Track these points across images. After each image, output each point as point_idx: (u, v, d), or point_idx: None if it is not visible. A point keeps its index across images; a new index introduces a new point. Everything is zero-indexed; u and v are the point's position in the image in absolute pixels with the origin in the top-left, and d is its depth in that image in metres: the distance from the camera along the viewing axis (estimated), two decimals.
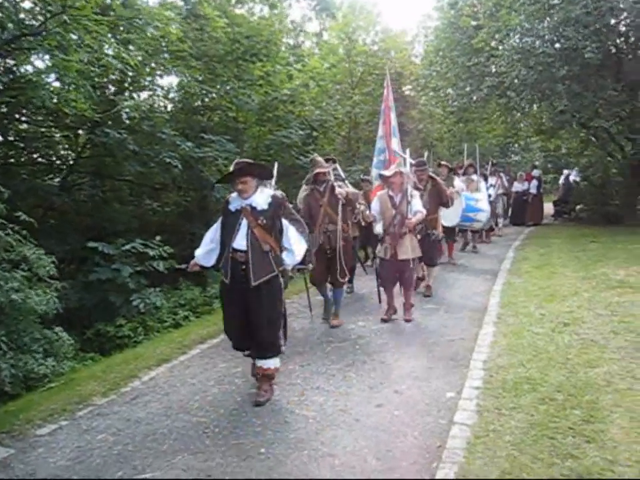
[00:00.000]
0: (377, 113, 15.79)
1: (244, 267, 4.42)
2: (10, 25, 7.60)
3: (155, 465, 3.58)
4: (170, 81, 13.09)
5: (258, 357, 4.60)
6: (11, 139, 10.77)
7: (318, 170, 6.51)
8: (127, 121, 10.23)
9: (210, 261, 4.73)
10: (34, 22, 8.03)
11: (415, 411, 4.26)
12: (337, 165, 7.49)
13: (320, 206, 6.51)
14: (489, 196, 12.85)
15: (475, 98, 16.27)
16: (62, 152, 11.88)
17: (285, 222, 4.62)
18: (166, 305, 8.81)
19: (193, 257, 4.84)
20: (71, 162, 11.51)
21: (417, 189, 7.42)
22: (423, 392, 4.61)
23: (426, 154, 9.93)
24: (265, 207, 4.51)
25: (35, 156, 11.53)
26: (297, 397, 4.62)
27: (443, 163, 10.55)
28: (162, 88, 12.47)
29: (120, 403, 4.67)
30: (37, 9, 8.03)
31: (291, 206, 4.90)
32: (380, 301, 7.17)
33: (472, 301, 7.68)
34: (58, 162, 11.85)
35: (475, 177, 11.65)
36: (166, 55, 10.77)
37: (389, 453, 3.63)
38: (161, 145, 10.22)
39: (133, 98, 10.60)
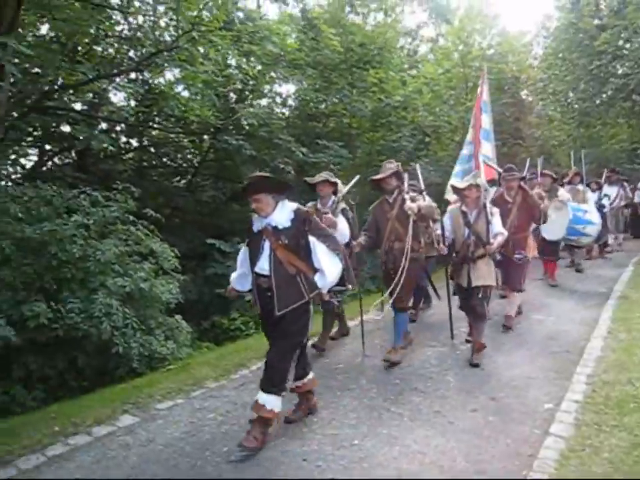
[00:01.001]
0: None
1: (269, 293, 3.98)
2: (147, 42, 8.45)
3: None
4: (287, 88, 13.72)
5: (260, 386, 4.01)
6: (144, 144, 11.86)
7: (374, 177, 5.80)
8: (247, 127, 10.88)
9: (245, 285, 4.36)
10: (167, 38, 8.85)
11: (509, 418, 4.28)
12: (418, 170, 6.48)
13: (387, 219, 5.66)
14: (602, 207, 11.60)
15: (597, 101, 15.45)
16: (188, 156, 12.85)
17: (312, 239, 4.02)
18: None
19: None
20: (196, 165, 12.41)
21: (503, 201, 6.69)
22: (520, 401, 4.60)
23: (539, 160, 9.43)
24: (287, 224, 3.99)
25: (164, 160, 12.58)
26: (394, 396, 4.78)
27: (545, 172, 9.21)
28: (280, 96, 13.10)
29: (229, 387, 5.09)
30: (170, 26, 8.81)
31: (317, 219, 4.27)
32: (452, 329, 6.36)
33: (582, 314, 7.39)
34: (184, 165, 12.83)
35: (581, 186, 10.27)
36: (284, 64, 11.32)
37: (479, 456, 3.70)
38: (277, 151, 10.76)
39: (252, 106, 11.25)
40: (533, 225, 7.24)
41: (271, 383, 3.92)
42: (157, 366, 6.23)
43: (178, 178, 12.76)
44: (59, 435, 4.21)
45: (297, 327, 4.04)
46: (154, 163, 12.65)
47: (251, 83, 10.85)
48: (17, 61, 6.20)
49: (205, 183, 12.51)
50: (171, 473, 3.60)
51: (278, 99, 13.14)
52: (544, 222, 7.04)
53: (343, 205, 5.87)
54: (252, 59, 10.20)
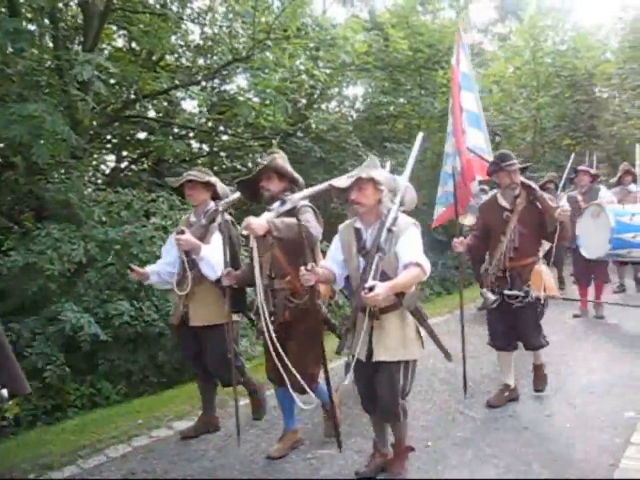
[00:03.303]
0: (565, 116, 15.04)
1: None
2: (220, 51, 8.78)
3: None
4: (355, 91, 13.83)
5: None
6: (216, 149, 12.26)
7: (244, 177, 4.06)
8: (316, 131, 11.05)
9: None
10: (239, 46, 9.15)
11: (587, 425, 4.16)
12: (387, 166, 4.55)
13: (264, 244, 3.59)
14: None
15: None
16: (258, 159, 13.16)
17: None
18: None
19: None
20: None
21: (497, 208, 4.50)
22: (599, 408, 4.47)
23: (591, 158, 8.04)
24: None
25: (234, 164, 12.95)
26: (467, 399, 4.76)
27: (581, 168, 7.40)
28: (348, 99, 13.23)
29: None
30: (241, 36, 9.12)
31: None
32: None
33: None
34: (254, 169, 13.14)
35: (633, 187, 8.10)
36: (352, 68, 11.41)
37: (555, 463, 3.62)
38: (346, 153, 10.88)
39: (321, 109, 11.42)
40: (546, 246, 4.78)
41: None
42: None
43: None
44: (143, 427, 4.47)
45: None
46: (224, 167, 13.03)
47: (319, 87, 11.02)
48: (97, 73, 6.55)
49: None
50: (249, 469, 3.72)
51: (346, 102, 13.29)
52: (567, 234, 4.48)
53: (225, 218, 4.13)
54: (321, 63, 10.35)
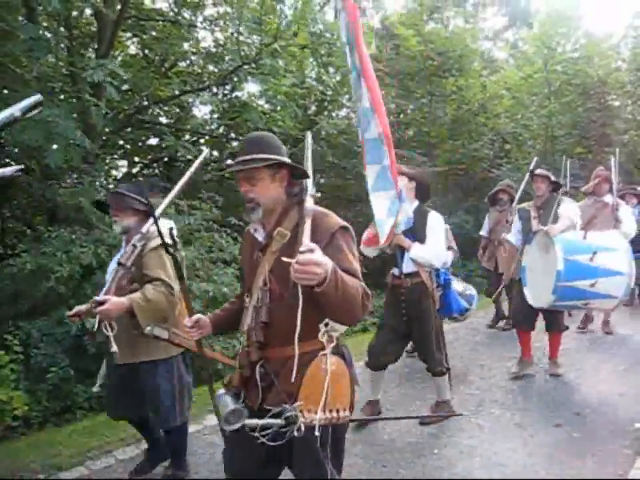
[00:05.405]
0: (577, 124, 14.94)
1: None
2: (228, 56, 8.86)
3: None
4: None
5: None
6: (226, 155, 12.31)
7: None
8: (325, 137, 11.08)
9: None
10: (249, 52, 9.20)
11: (596, 435, 4.14)
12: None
13: None
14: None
15: None
16: None
17: None
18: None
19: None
20: None
21: (256, 244, 2.29)
22: (608, 418, 4.45)
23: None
24: None
25: None
26: (474, 407, 4.75)
27: (537, 172, 5.50)
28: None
29: None
30: (253, 42, 9.18)
31: None
32: None
33: None
34: None
35: (609, 198, 6.49)
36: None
37: (562, 472, 3.61)
38: (358, 159, 10.91)
39: (331, 117, 11.44)
40: (341, 327, 2.17)
41: None
42: None
43: None
44: None
45: None
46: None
47: (329, 93, 11.04)
48: (110, 79, 6.61)
49: None
50: None
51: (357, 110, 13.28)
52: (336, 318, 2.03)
53: None
54: (331, 70, 10.40)
